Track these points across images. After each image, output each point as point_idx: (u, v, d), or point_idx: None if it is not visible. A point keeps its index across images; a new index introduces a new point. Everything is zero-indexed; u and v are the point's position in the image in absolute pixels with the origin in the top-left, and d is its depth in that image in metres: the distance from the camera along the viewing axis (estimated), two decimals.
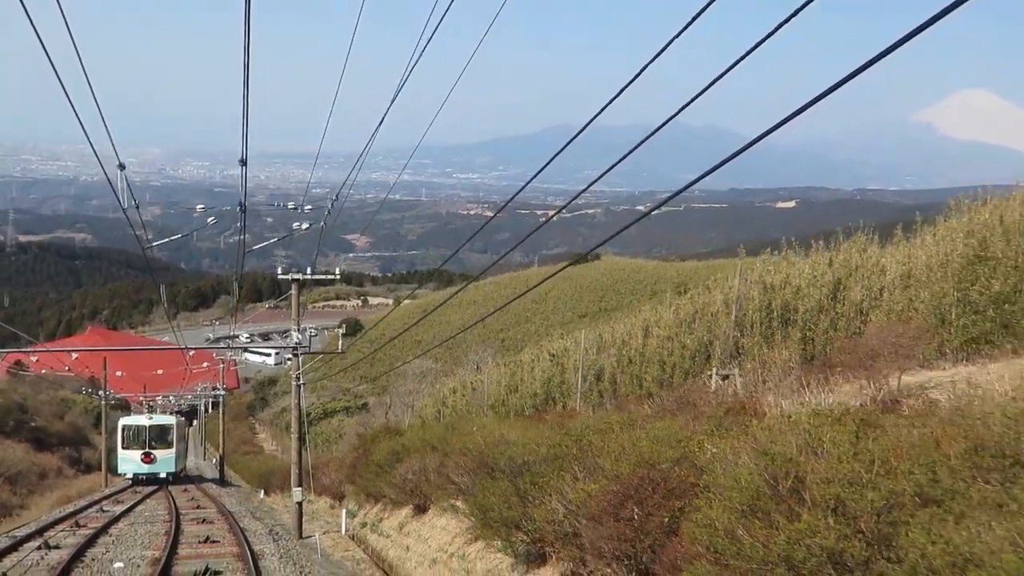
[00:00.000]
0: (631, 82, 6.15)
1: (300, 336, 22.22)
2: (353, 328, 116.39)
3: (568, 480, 10.08)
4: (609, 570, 8.58)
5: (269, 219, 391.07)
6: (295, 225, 23.01)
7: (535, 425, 17.45)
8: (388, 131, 12.94)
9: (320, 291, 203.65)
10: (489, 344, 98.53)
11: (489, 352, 45.43)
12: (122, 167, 11.71)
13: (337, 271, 26.14)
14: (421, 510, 19.83)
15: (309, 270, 22.87)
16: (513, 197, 12.94)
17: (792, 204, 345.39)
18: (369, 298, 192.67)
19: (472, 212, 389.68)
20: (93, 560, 17.01)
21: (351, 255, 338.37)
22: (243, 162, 12.18)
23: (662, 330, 22.07)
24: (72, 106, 8.64)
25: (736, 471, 6.49)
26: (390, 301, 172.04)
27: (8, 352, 50.95)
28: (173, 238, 25.73)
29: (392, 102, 11.14)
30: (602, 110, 6.71)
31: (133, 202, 12.00)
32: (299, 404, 23.26)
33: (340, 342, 28.55)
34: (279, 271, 22.81)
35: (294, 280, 22.36)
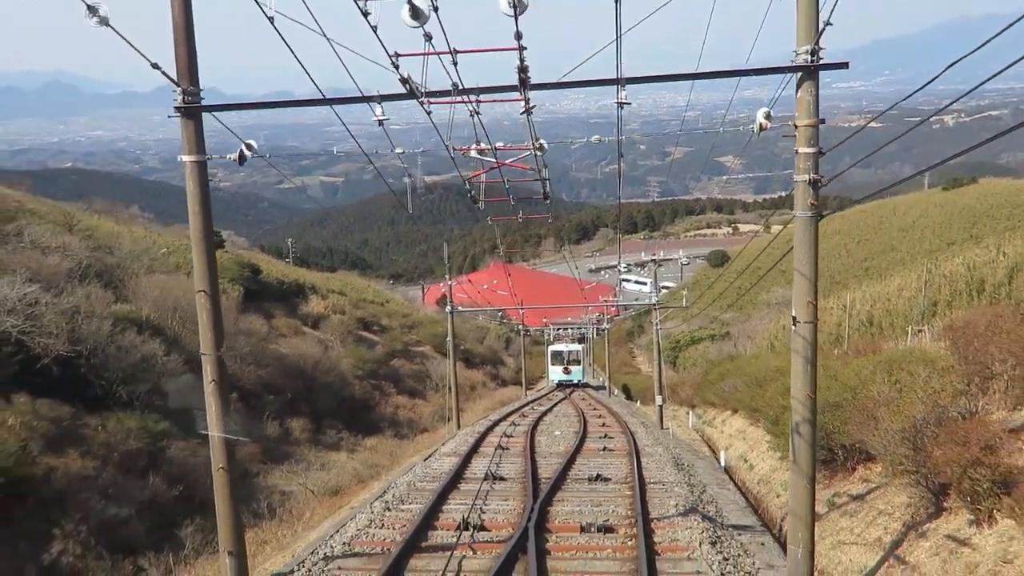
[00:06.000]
0: None
1: (659, 296, 33.66)
2: (720, 259, 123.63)
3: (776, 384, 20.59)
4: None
5: (642, 146, 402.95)
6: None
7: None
8: (760, 42, 12.66)
9: (692, 220, 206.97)
10: (852, 273, 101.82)
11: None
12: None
13: (688, 233, 36.91)
14: (734, 412, 30.73)
15: (662, 252, 33.90)
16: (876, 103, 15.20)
17: None
18: (739, 225, 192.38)
19: (853, 123, 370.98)
20: (541, 431, 29.80)
21: (724, 177, 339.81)
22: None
23: (909, 290, 30.65)
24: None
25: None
26: (760, 228, 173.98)
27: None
28: None
29: (766, 15, 11.10)
30: None
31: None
32: (657, 342, 34.99)
33: (684, 299, 39.28)
34: (642, 254, 34.02)
35: (651, 260, 33.75)
